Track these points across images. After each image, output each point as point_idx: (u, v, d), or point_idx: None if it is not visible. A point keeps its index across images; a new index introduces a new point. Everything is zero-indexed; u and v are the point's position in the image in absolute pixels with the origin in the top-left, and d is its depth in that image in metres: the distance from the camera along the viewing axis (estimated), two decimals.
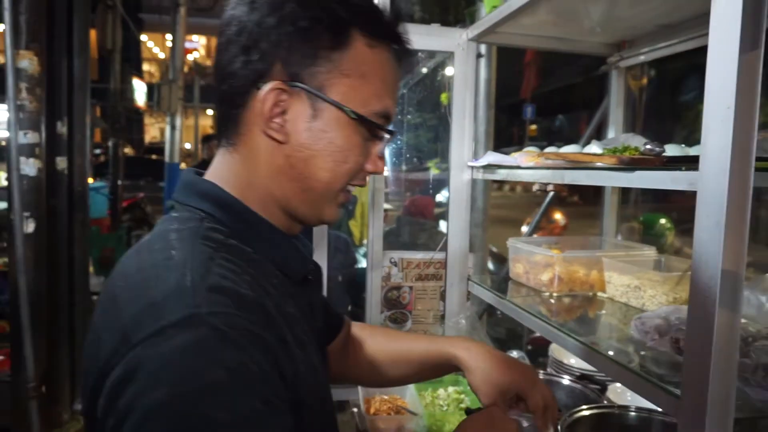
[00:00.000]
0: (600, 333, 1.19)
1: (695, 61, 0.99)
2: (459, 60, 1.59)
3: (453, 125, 1.61)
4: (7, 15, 2.29)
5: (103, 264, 5.48)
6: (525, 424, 0.92)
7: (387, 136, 0.69)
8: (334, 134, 0.63)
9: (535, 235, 2.42)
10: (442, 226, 2.68)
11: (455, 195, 1.62)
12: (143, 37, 16.10)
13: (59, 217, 3.09)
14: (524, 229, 3.86)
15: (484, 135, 2.00)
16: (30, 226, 2.60)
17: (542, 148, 1.40)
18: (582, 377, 1.45)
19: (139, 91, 11.04)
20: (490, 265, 3.58)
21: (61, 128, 3.12)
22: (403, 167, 2.98)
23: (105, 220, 6.99)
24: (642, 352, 0.95)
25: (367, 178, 0.72)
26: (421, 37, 1.58)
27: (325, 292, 1.53)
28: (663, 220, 3.34)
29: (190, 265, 0.55)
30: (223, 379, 0.48)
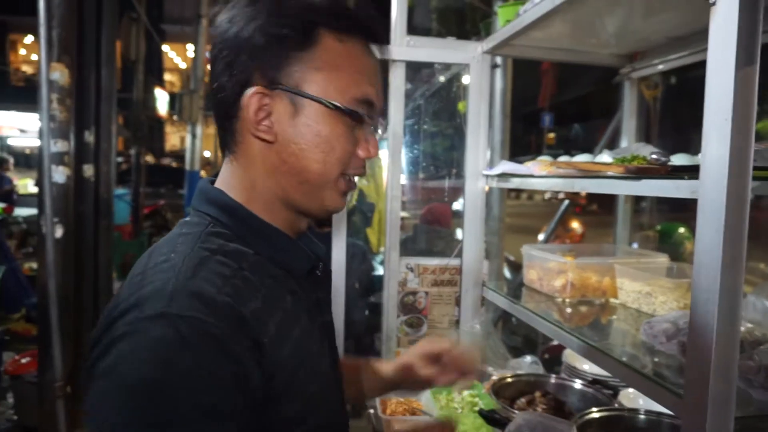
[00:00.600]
0: (611, 337, 1.22)
1: None
2: (474, 71, 1.64)
3: (468, 135, 1.65)
4: (42, 30, 2.40)
5: (124, 269, 5.61)
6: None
7: (371, 120, 0.71)
8: (318, 126, 0.67)
9: (550, 244, 2.45)
10: (459, 234, 2.72)
11: (470, 203, 1.66)
12: (165, 48, 16.44)
13: (86, 223, 3.20)
14: (540, 237, 3.87)
15: (499, 144, 2.04)
16: (59, 232, 2.70)
17: (558, 156, 1.43)
18: (594, 382, 1.47)
19: (161, 100, 11.28)
20: (507, 273, 3.59)
21: (89, 137, 3.24)
22: (420, 175, 3.02)
23: (127, 226, 7.16)
24: (650, 355, 0.98)
25: (367, 166, 0.75)
26: (437, 49, 1.64)
27: (343, 298, 1.58)
28: (682, 229, 3.33)
29: (181, 268, 0.59)
30: (169, 378, 0.52)
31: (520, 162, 1.52)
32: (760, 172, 0.70)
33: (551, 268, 1.47)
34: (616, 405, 1.36)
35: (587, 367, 1.55)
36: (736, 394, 0.70)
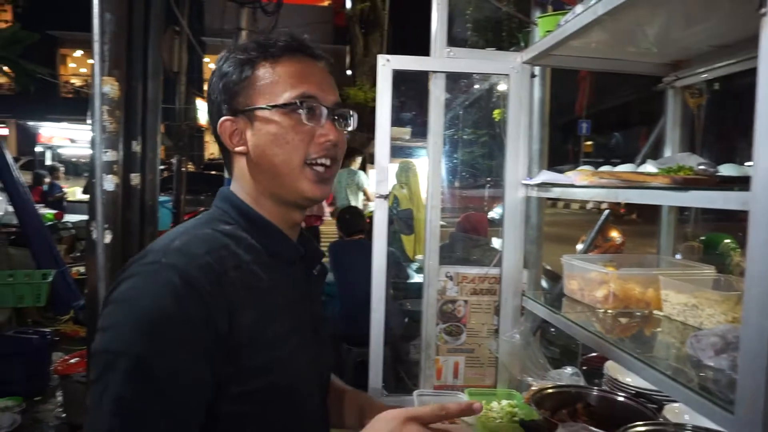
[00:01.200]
0: (656, 350, 1.20)
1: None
2: (513, 82, 1.64)
3: (508, 145, 1.66)
4: (95, 46, 2.51)
5: None
6: None
7: (319, 110, 0.85)
8: (269, 128, 0.83)
9: (590, 254, 2.41)
10: (495, 243, 2.71)
11: (510, 212, 1.66)
12: (206, 59, 16.91)
13: (132, 229, 3.31)
14: (579, 247, 3.81)
15: (537, 153, 2.02)
16: (108, 237, 2.81)
17: (598, 165, 1.42)
18: (638, 395, 1.44)
19: (201, 110, 11.59)
20: (543, 283, 3.54)
21: (136, 147, 3.36)
22: (457, 184, 3.03)
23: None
24: (697, 370, 0.97)
25: (335, 149, 0.87)
26: (477, 61, 1.65)
27: (383, 304, 1.60)
28: (728, 240, 3.22)
29: (183, 236, 0.78)
30: (154, 307, 0.69)
31: (560, 171, 1.51)
32: None
33: (592, 279, 1.45)
34: (661, 419, 1.33)
35: (630, 380, 1.53)
36: None
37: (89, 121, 2.85)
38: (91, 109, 2.74)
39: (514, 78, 1.65)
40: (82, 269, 5.67)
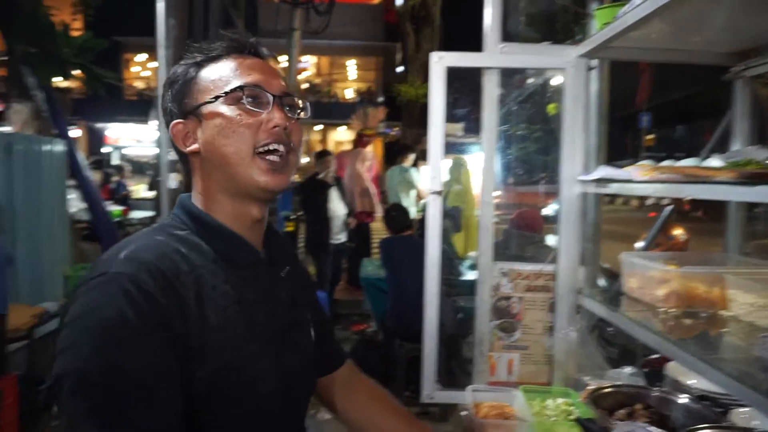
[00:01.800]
0: (722, 351, 1.16)
1: None
2: (570, 76, 1.61)
3: (564, 140, 1.63)
4: (160, 51, 2.64)
5: None
6: None
7: (263, 98, 0.85)
8: (215, 121, 0.83)
9: (651, 252, 2.33)
10: (550, 240, 2.66)
11: (566, 208, 1.64)
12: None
13: None
14: (639, 245, 3.68)
15: (594, 148, 1.97)
16: None
17: (659, 160, 1.38)
18: (702, 398, 1.39)
19: None
20: (601, 281, 3.43)
21: None
22: (510, 180, 2.99)
23: None
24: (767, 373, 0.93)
25: (286, 134, 0.85)
26: (531, 56, 1.63)
27: (437, 299, 1.61)
28: None
29: (130, 245, 0.78)
30: (108, 313, 0.69)
31: (618, 166, 1.48)
32: None
33: (653, 277, 1.41)
34: (727, 424, 1.28)
35: (694, 382, 1.48)
36: None
37: (151, 122, 3.00)
38: (156, 110, 2.89)
39: (571, 72, 1.62)
40: None
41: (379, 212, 6.23)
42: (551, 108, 1.99)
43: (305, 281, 1.06)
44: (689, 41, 1.50)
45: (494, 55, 1.62)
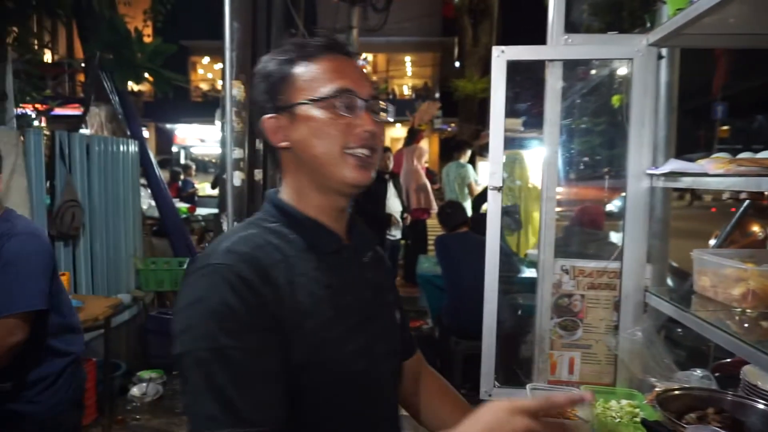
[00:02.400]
0: None
1: None
2: (638, 66, 1.55)
3: (631, 132, 1.57)
4: (227, 53, 2.74)
5: None
6: None
7: (355, 102, 0.88)
8: (309, 121, 0.87)
9: (725, 249, 2.21)
10: (614, 237, 2.57)
11: (633, 204, 1.58)
12: None
13: None
14: (712, 242, 3.50)
15: (664, 141, 1.89)
16: None
17: (735, 152, 1.31)
18: None
19: None
20: (669, 281, 3.28)
21: (259, 145, 3.62)
22: (572, 175, 2.90)
23: None
24: None
25: (373, 139, 0.89)
26: (597, 47, 1.58)
27: (495, 295, 1.59)
28: None
29: (229, 238, 0.85)
30: (206, 300, 0.77)
31: (689, 160, 1.41)
32: None
33: (728, 275, 1.34)
34: None
35: None
36: None
37: (216, 122, 3.11)
38: (222, 110, 3.00)
39: (639, 62, 1.55)
40: None
41: (435, 208, 6.21)
42: (616, 100, 1.92)
43: (386, 266, 1.10)
44: None
45: (558, 47, 1.59)
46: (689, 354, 2.85)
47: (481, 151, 7.57)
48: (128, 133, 5.19)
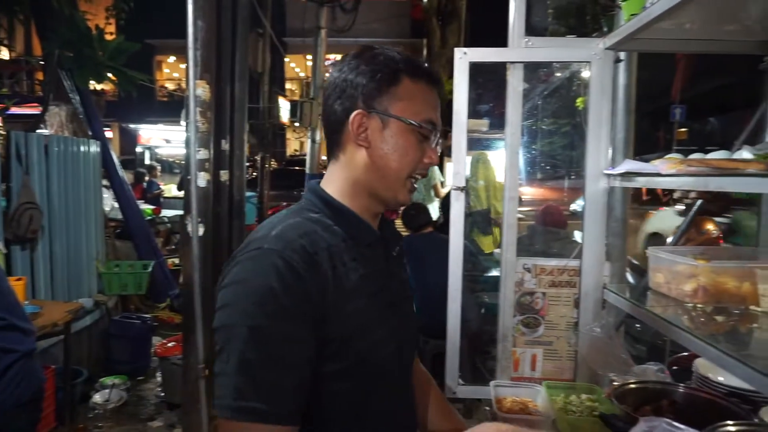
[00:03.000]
0: (753, 347, 1.13)
1: None
2: (595, 69, 1.59)
3: (589, 134, 1.61)
4: (190, 52, 2.70)
5: None
6: None
7: (434, 136, 0.96)
8: (397, 138, 0.93)
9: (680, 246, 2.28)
10: (576, 236, 2.63)
11: (591, 203, 1.62)
12: (287, 59, 17.49)
13: (221, 222, 3.53)
14: (669, 240, 3.60)
15: (622, 142, 1.94)
16: (201, 230, 3.01)
17: (690, 154, 1.35)
18: (731, 395, 1.36)
19: (284, 108, 12.03)
20: (630, 278, 3.37)
21: (225, 145, 3.57)
22: (535, 176, 2.96)
23: (253, 226, 7.68)
24: None
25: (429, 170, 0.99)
26: (556, 50, 1.62)
27: (459, 293, 1.61)
28: None
29: (277, 225, 0.89)
30: (258, 284, 0.81)
31: (647, 160, 1.45)
32: None
33: (680, 272, 1.39)
34: (756, 420, 1.25)
35: (722, 378, 1.44)
36: None
37: (182, 123, 3.06)
38: (186, 110, 2.94)
39: (597, 65, 1.60)
40: (176, 260, 6.11)
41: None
42: (580, 102, 1.97)
43: (405, 262, 1.17)
44: (723, 30, 1.45)
45: (518, 49, 1.62)
46: (650, 349, 2.93)
47: (449, 152, 7.62)
48: (90, 133, 5.05)
